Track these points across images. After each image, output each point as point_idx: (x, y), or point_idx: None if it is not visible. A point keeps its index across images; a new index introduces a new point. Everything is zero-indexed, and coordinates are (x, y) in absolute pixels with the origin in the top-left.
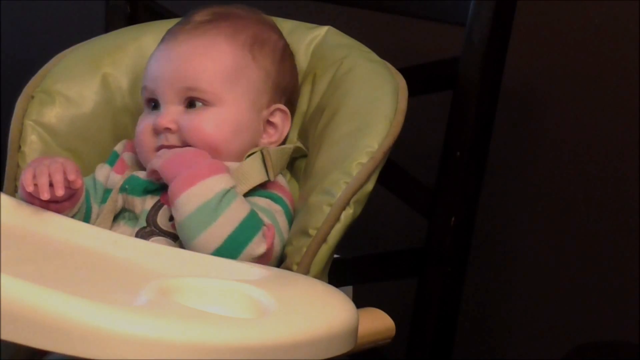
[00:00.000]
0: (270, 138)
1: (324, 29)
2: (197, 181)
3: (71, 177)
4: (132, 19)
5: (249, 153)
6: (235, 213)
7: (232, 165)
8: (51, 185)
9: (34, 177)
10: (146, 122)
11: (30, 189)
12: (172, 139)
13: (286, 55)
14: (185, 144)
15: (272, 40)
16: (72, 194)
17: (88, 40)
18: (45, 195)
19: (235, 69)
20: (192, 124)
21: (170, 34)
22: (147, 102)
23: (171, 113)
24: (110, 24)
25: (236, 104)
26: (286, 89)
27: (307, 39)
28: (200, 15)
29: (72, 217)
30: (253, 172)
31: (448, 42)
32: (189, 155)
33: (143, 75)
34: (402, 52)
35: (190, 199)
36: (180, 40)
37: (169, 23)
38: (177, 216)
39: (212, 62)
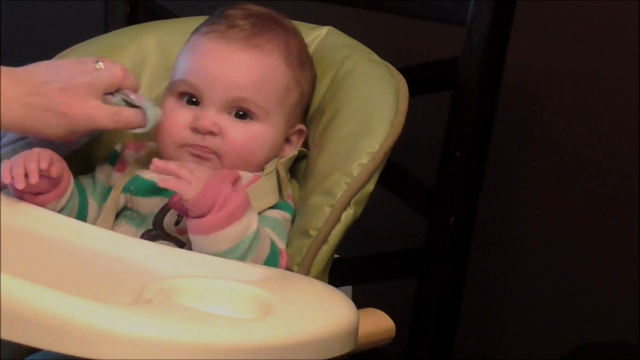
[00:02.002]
0: (283, 152)
1: (324, 30)
2: (232, 222)
3: (43, 165)
4: (132, 19)
5: (266, 172)
6: (261, 254)
7: (244, 174)
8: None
9: (11, 169)
10: (180, 116)
11: (7, 180)
12: (211, 142)
13: (314, 73)
14: (219, 151)
15: (309, 60)
16: (55, 184)
17: (88, 40)
18: (20, 185)
19: (285, 90)
20: (237, 135)
21: (217, 35)
22: (180, 95)
23: (215, 116)
24: (110, 24)
25: (278, 123)
26: (309, 103)
27: (308, 40)
28: (245, 22)
29: (61, 210)
30: (269, 192)
31: (448, 42)
32: (219, 186)
33: (179, 66)
34: (402, 52)
35: (223, 240)
36: (235, 47)
37: (169, 23)
38: (204, 249)
39: (270, 80)
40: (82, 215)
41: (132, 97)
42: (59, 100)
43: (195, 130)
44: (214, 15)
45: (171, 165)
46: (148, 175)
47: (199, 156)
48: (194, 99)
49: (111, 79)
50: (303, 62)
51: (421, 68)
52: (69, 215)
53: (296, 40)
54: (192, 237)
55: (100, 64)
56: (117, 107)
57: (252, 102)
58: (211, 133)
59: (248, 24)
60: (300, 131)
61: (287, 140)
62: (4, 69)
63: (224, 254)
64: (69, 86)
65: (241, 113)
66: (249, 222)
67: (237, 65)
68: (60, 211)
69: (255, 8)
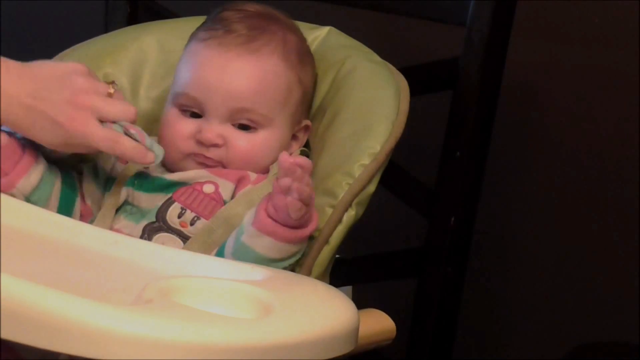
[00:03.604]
0: (290, 149)
1: (325, 30)
2: (303, 241)
3: None
4: (132, 19)
5: (272, 173)
6: (290, 263)
7: (251, 175)
8: None
9: None
10: (186, 128)
11: None
12: (215, 154)
13: (315, 68)
14: (225, 161)
15: (309, 56)
16: (14, 161)
17: (88, 40)
18: None
19: (287, 92)
20: (242, 145)
21: (215, 42)
22: (181, 106)
23: (218, 128)
24: (110, 24)
25: (283, 125)
26: (311, 100)
27: (308, 40)
28: (242, 25)
29: (35, 190)
30: None
31: (448, 42)
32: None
33: (180, 78)
34: (402, 52)
35: (283, 250)
36: (232, 55)
37: (169, 23)
38: (255, 246)
39: (270, 87)
40: (70, 199)
41: (133, 131)
42: (60, 111)
43: (200, 142)
44: (210, 18)
45: (306, 189)
46: (154, 173)
47: (204, 163)
48: (196, 111)
49: (122, 115)
50: (303, 58)
51: (421, 68)
52: (50, 196)
53: (294, 36)
54: (253, 231)
55: (112, 90)
56: (118, 134)
57: (254, 111)
58: (215, 145)
59: (245, 28)
60: (305, 127)
61: (294, 137)
62: (11, 63)
63: (268, 262)
64: (75, 101)
65: (245, 124)
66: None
67: (236, 74)
68: (34, 191)
69: (251, 8)
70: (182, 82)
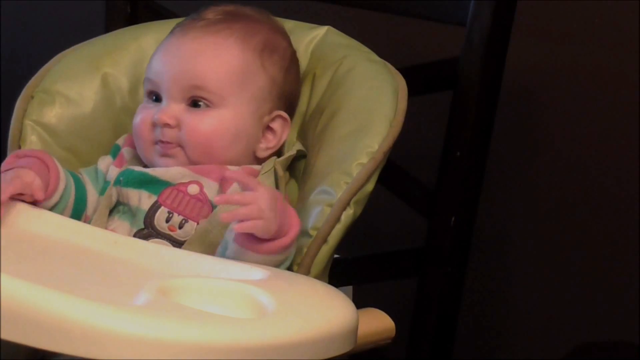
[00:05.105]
0: (268, 143)
1: (323, 29)
2: (289, 249)
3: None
4: (132, 19)
5: (263, 171)
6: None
7: (232, 169)
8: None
9: None
10: (145, 114)
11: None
12: (169, 135)
13: (293, 63)
14: (181, 143)
15: (282, 48)
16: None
17: (88, 40)
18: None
19: (244, 73)
20: (193, 124)
21: (180, 29)
22: (148, 94)
23: (173, 109)
24: (110, 24)
25: (239, 108)
26: (289, 96)
27: (307, 39)
28: (211, 14)
29: (55, 205)
30: None
31: (448, 42)
32: (284, 211)
33: (147, 66)
34: (402, 52)
35: (270, 261)
36: (191, 37)
37: (169, 23)
38: (243, 260)
39: (222, 63)
40: (80, 207)
41: None
42: None
43: (155, 125)
44: None
45: (242, 211)
46: (138, 168)
47: (166, 154)
48: (157, 96)
49: None
50: (270, 48)
51: (421, 68)
52: (65, 208)
53: (267, 29)
54: (236, 247)
55: None
56: None
57: (204, 88)
58: (168, 125)
59: (213, 15)
60: (282, 119)
61: (270, 128)
62: None
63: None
64: None
65: (199, 103)
66: (294, 247)
67: (188, 53)
68: (54, 206)
69: (233, 7)
70: (147, 70)
